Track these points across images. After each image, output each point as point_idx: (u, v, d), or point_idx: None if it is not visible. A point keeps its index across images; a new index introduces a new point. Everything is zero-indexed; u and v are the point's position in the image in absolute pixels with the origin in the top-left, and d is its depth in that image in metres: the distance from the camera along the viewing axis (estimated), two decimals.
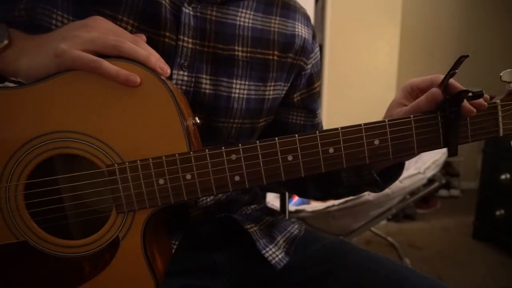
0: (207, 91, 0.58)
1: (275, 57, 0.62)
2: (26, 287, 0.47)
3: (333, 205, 1.47)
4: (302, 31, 0.65)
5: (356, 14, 2.48)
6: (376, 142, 0.47)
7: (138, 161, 0.45)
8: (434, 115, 0.48)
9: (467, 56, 0.46)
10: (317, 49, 0.70)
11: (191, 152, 0.45)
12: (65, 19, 0.51)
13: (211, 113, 0.59)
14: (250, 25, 0.60)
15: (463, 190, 3.38)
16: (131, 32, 0.51)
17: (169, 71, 0.47)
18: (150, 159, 0.45)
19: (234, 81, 0.59)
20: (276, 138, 0.46)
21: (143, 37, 0.49)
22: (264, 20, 0.62)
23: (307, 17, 0.69)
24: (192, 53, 0.56)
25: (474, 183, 3.04)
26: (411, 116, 0.47)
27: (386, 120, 0.47)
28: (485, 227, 2.31)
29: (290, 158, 0.46)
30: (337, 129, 0.46)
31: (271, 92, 0.63)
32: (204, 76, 0.57)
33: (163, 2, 0.54)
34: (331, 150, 0.46)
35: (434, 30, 3.38)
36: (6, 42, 0.45)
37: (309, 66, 0.68)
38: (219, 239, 0.65)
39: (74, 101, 0.44)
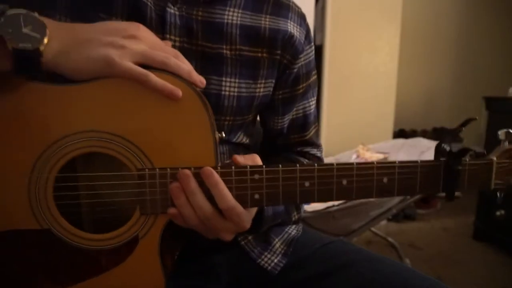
0: (197, 88, 0.58)
1: (265, 54, 0.62)
2: (42, 271, 0.49)
3: (333, 205, 1.47)
4: (293, 29, 0.64)
5: (356, 14, 2.48)
6: (385, 180, 0.52)
7: (168, 169, 0.47)
8: (438, 163, 0.53)
9: (475, 119, 0.54)
10: (309, 50, 0.68)
11: (218, 167, 0.47)
12: (63, 22, 0.52)
13: None
14: (238, 22, 0.59)
15: None
16: None
17: (205, 83, 0.49)
18: (180, 169, 0.47)
19: (224, 78, 0.59)
20: (298, 165, 0.49)
21: (178, 54, 0.50)
22: (254, 18, 0.61)
23: (301, 17, 0.67)
24: (179, 51, 0.56)
25: None
26: (418, 161, 0.53)
27: (397, 161, 0.52)
28: (485, 227, 2.30)
29: (307, 184, 0.50)
30: (352, 164, 0.51)
31: (261, 90, 0.63)
32: None
33: (148, 3, 0.55)
34: (344, 182, 0.50)
35: (434, 30, 3.38)
36: (46, 40, 0.43)
37: (297, 66, 0.65)
38: (220, 240, 0.65)
39: (115, 104, 0.47)
